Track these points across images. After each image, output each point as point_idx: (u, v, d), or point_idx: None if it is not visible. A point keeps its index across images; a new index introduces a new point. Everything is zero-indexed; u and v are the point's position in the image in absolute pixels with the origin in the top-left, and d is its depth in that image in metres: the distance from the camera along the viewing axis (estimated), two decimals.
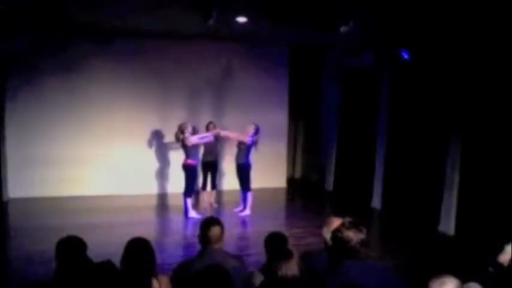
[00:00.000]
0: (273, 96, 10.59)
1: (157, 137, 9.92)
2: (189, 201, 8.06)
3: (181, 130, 7.95)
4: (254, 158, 8.49)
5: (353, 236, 2.69)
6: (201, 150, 8.68)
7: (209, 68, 10.09)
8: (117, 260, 2.87)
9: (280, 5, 6.40)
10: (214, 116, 10.01)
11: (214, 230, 3.08)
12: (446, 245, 6.91)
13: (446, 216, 7.23)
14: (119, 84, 9.59)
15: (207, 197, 8.87)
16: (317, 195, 10.57)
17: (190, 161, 7.95)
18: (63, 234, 2.97)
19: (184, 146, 7.96)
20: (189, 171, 8.00)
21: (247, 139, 8.12)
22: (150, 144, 9.89)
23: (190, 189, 8.03)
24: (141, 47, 9.51)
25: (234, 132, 8.50)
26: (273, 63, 10.48)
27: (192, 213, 8.01)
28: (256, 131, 8.19)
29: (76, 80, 9.33)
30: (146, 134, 9.81)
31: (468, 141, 6.95)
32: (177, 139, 8.05)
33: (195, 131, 8.37)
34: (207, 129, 8.60)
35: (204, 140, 8.20)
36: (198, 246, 3.16)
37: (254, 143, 8.20)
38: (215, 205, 8.85)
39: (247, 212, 8.30)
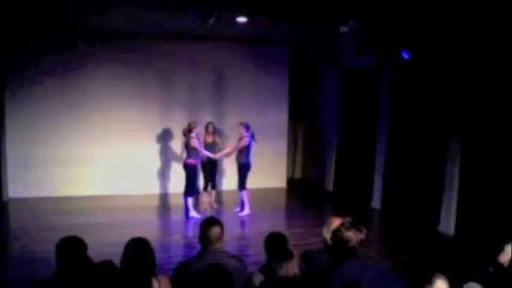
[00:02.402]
0: (273, 96, 10.60)
1: (157, 137, 9.92)
2: (190, 200, 8.06)
3: (189, 128, 7.96)
4: (254, 157, 8.51)
5: (353, 236, 2.69)
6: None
7: (209, 68, 10.09)
8: (117, 260, 2.87)
9: (281, 5, 6.41)
10: (214, 116, 10.01)
11: (214, 230, 3.07)
12: (446, 245, 6.91)
13: (446, 216, 7.23)
14: (119, 84, 9.59)
15: (207, 197, 8.87)
16: (317, 195, 10.57)
17: (190, 161, 7.96)
18: (63, 234, 2.97)
19: (187, 145, 7.98)
20: (190, 171, 8.01)
21: (244, 141, 8.13)
22: (150, 144, 9.88)
23: (191, 189, 8.04)
24: (141, 47, 9.51)
25: (230, 146, 8.70)
26: (273, 63, 10.48)
27: (193, 213, 8.01)
28: (247, 128, 8.20)
29: (76, 80, 9.33)
30: (146, 134, 9.80)
31: (468, 141, 6.95)
32: (184, 135, 8.07)
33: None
34: (206, 129, 8.61)
35: (201, 154, 8.15)
36: (198, 246, 3.16)
37: (252, 140, 8.22)
38: (215, 205, 8.86)
39: (246, 211, 8.30)
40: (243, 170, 8.25)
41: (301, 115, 12.12)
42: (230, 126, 9.98)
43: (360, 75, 9.71)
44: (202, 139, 8.45)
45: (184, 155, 8.12)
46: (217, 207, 8.80)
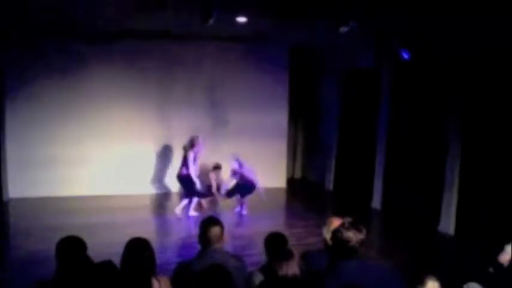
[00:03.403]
0: (273, 96, 10.59)
1: (157, 137, 9.91)
2: (195, 200, 8.07)
3: (192, 144, 7.96)
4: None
5: (353, 236, 2.69)
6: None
7: (209, 68, 10.09)
8: (117, 260, 2.87)
9: (280, 5, 6.41)
10: (214, 116, 10.03)
11: (214, 230, 3.07)
12: (446, 245, 6.91)
13: (446, 216, 7.23)
14: (118, 85, 9.58)
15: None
16: (317, 195, 10.56)
17: (185, 171, 7.95)
18: (63, 234, 2.97)
19: (184, 158, 7.97)
20: (187, 182, 7.99)
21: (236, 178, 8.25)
22: (150, 144, 9.88)
23: (197, 193, 8.08)
24: (141, 47, 9.51)
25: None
26: (273, 63, 10.47)
27: (192, 212, 8.03)
28: (240, 166, 8.21)
29: (76, 80, 9.32)
30: (146, 134, 9.80)
31: (468, 141, 6.95)
32: (184, 150, 8.05)
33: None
34: (214, 171, 8.87)
35: (196, 173, 8.11)
36: (198, 246, 3.16)
37: (242, 170, 8.22)
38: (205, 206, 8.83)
39: (244, 211, 8.35)
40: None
41: (301, 115, 12.12)
42: (230, 125, 10.03)
43: (359, 75, 9.71)
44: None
45: (179, 166, 8.11)
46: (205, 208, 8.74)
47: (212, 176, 8.99)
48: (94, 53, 9.28)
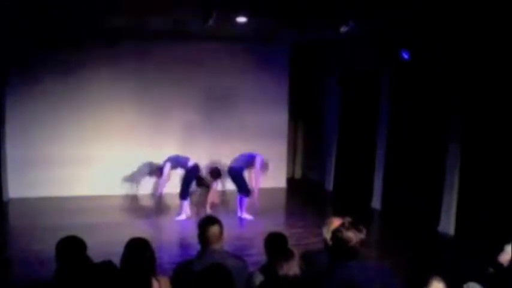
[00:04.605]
0: (273, 96, 10.58)
1: (157, 137, 9.90)
2: (185, 203, 8.09)
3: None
4: None
5: (353, 236, 2.69)
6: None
7: (209, 68, 10.08)
8: (117, 260, 2.87)
9: (281, 5, 6.41)
10: (213, 116, 10.01)
11: (213, 230, 3.06)
12: (446, 245, 6.91)
13: (446, 216, 7.23)
14: (119, 85, 9.58)
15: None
16: (317, 195, 10.56)
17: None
18: (63, 234, 2.97)
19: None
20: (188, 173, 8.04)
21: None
22: (149, 144, 9.86)
23: (185, 192, 8.07)
24: (141, 47, 9.50)
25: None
26: (273, 63, 10.46)
27: (182, 216, 8.03)
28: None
29: (76, 80, 9.32)
30: (146, 134, 9.80)
31: (468, 141, 6.95)
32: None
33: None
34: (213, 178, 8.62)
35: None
36: (198, 246, 3.16)
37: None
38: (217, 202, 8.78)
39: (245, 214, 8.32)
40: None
41: (301, 115, 12.11)
42: (230, 125, 10.01)
43: (360, 75, 9.70)
44: None
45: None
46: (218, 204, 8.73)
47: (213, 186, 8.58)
48: (94, 53, 9.27)
